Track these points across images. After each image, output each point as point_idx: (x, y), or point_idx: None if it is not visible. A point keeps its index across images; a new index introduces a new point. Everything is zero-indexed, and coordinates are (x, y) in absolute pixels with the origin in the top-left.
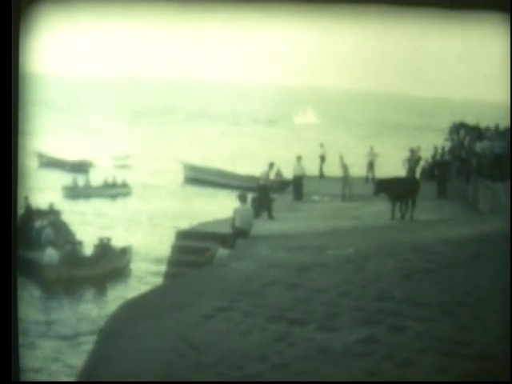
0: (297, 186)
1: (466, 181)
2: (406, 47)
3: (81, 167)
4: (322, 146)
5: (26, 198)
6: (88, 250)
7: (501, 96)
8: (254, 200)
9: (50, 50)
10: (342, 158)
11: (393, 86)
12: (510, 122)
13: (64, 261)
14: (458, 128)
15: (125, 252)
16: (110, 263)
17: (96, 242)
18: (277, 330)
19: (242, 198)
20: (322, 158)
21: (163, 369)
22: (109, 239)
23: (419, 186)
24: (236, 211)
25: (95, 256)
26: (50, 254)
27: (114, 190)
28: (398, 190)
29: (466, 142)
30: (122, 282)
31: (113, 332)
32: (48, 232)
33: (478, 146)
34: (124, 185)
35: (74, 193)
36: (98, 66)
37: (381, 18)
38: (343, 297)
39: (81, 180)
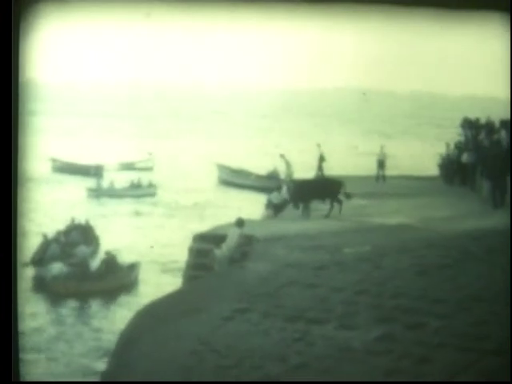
0: None
1: (480, 176)
2: (406, 47)
3: (95, 171)
4: (318, 145)
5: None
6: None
7: (501, 92)
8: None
9: (49, 49)
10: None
11: (393, 86)
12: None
13: (72, 275)
14: (470, 124)
15: (132, 268)
16: (117, 279)
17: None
18: (296, 330)
19: (239, 223)
20: (322, 158)
21: (183, 373)
22: (115, 254)
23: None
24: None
25: (102, 271)
26: (57, 268)
27: (139, 191)
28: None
29: (482, 137)
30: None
31: (132, 337)
32: (54, 247)
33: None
34: (150, 185)
35: (97, 194)
36: (97, 66)
37: (380, 18)
38: (360, 295)
39: (104, 183)
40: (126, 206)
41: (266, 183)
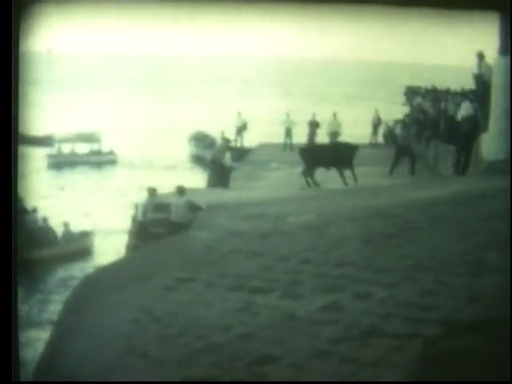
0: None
1: (425, 145)
2: (405, 47)
3: (45, 141)
4: (288, 115)
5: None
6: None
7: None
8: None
9: (49, 49)
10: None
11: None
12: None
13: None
14: (414, 92)
15: (86, 235)
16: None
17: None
18: (239, 300)
19: (180, 192)
20: (288, 131)
21: (126, 342)
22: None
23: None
24: (173, 204)
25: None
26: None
27: (99, 158)
28: (325, 157)
29: (427, 105)
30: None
31: (75, 305)
32: None
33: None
34: (110, 152)
35: (57, 161)
36: (97, 66)
37: (380, 18)
38: (305, 264)
39: (65, 150)
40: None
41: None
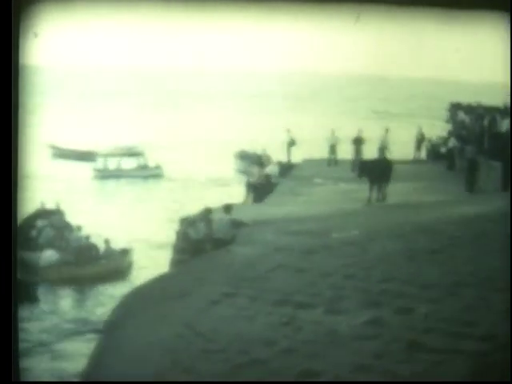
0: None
1: (469, 161)
2: (405, 47)
3: (88, 157)
4: (333, 132)
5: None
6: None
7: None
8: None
9: (49, 49)
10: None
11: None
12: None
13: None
14: (456, 108)
15: (125, 253)
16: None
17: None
18: (283, 314)
19: (227, 210)
20: (333, 148)
21: (170, 356)
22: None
23: (392, 166)
24: (216, 221)
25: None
26: (49, 255)
27: (146, 172)
28: (377, 172)
29: (467, 121)
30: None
31: (119, 320)
32: (47, 232)
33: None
34: (157, 166)
35: (104, 174)
36: (97, 66)
37: (380, 18)
38: (348, 279)
39: (112, 164)
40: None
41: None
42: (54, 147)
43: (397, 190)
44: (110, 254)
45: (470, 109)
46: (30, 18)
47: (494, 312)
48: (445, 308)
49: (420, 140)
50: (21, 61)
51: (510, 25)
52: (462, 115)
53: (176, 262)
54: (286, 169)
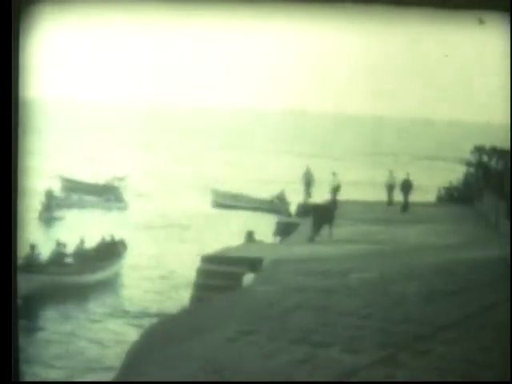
0: None
1: (488, 204)
2: (405, 47)
3: (102, 190)
4: (334, 174)
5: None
6: None
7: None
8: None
9: (49, 49)
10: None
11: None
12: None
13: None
14: (481, 151)
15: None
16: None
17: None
18: (301, 353)
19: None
20: (337, 188)
21: None
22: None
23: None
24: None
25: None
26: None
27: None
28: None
29: (493, 163)
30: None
31: (138, 357)
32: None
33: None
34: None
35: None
36: (98, 66)
37: (380, 18)
38: (367, 320)
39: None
40: None
41: (270, 206)
42: (64, 179)
43: (415, 232)
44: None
45: (492, 151)
46: (29, 18)
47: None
48: (461, 349)
49: (391, 184)
50: (21, 61)
51: (510, 25)
52: (484, 158)
53: (195, 299)
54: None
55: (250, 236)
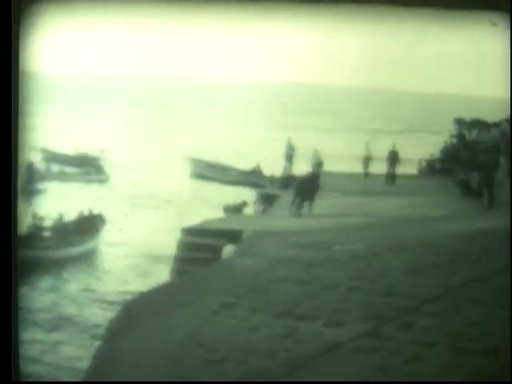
0: None
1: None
2: (405, 47)
3: (83, 161)
4: (315, 150)
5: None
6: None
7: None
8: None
9: (49, 50)
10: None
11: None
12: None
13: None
14: (460, 123)
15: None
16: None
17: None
18: (284, 326)
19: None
20: (319, 165)
21: (170, 367)
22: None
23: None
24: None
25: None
26: None
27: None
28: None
29: (474, 135)
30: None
31: (119, 330)
32: None
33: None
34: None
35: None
36: (97, 66)
37: (380, 18)
38: (351, 292)
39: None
40: None
41: (248, 178)
42: (44, 151)
43: (402, 204)
44: None
45: (472, 124)
46: (29, 18)
47: (498, 328)
48: (448, 322)
49: (367, 157)
50: (21, 61)
51: (510, 25)
52: (464, 131)
53: (176, 272)
54: (290, 181)
55: (242, 205)
